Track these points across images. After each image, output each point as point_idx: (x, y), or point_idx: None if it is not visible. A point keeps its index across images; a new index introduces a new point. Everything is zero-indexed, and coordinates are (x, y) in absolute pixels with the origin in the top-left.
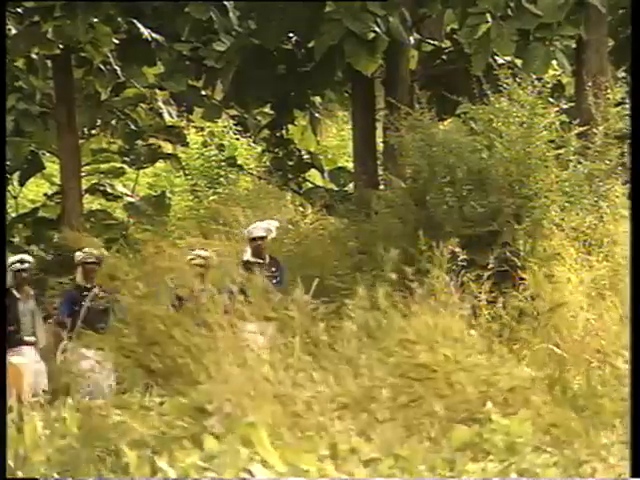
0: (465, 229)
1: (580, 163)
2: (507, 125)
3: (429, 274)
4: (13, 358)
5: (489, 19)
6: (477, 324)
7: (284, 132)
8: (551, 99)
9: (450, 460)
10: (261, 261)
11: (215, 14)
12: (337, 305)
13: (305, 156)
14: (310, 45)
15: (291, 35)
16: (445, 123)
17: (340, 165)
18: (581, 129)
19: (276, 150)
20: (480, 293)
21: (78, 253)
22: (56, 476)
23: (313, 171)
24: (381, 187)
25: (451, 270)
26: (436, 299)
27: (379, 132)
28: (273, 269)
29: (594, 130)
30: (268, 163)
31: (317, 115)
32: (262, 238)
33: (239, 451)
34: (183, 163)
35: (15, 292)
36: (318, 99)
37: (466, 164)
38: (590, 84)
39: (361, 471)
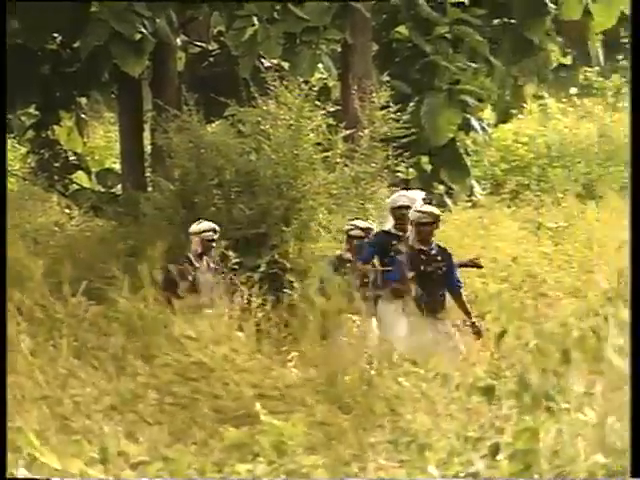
0: (234, 231)
1: (347, 166)
2: (275, 127)
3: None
4: None
5: (255, 22)
6: (246, 325)
7: (49, 133)
8: (318, 102)
9: (219, 462)
10: (402, 234)
11: None
12: (105, 307)
13: (71, 157)
14: (75, 45)
15: (56, 35)
16: (213, 125)
17: (107, 167)
18: (347, 132)
19: (41, 151)
20: (250, 295)
21: (412, 212)
22: None
23: (80, 172)
24: (149, 189)
25: (221, 272)
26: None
27: (147, 134)
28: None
29: (360, 133)
30: (33, 164)
31: (83, 116)
32: (405, 207)
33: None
34: None
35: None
36: (84, 100)
37: (234, 166)
38: (355, 88)
39: (129, 474)
